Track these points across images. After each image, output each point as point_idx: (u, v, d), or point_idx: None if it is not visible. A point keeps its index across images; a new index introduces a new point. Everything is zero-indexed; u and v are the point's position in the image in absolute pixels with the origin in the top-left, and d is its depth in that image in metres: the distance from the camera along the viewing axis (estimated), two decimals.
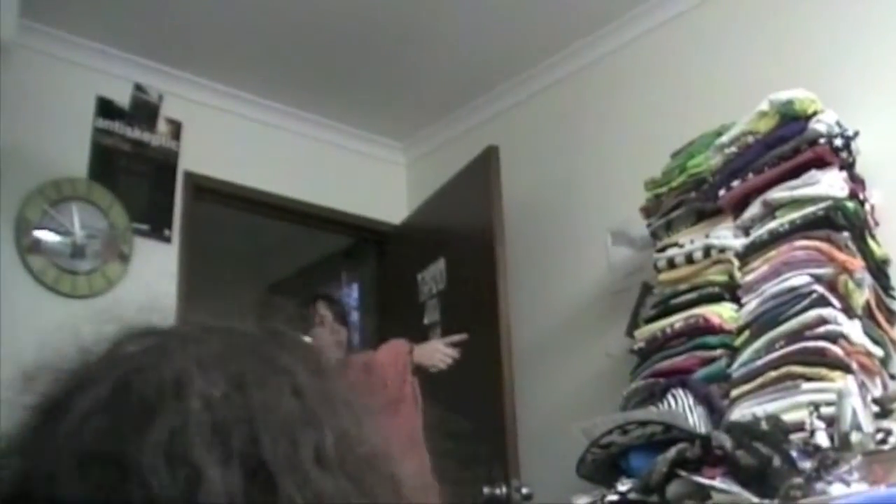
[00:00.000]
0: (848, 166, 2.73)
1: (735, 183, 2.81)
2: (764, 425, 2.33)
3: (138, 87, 3.87)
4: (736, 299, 2.73)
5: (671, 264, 2.92)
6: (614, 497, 2.49)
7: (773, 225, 2.69)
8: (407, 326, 3.74)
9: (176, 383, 0.46)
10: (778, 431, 2.30)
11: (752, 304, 2.65)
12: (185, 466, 0.43)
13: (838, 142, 2.69)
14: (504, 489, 3.34)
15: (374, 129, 4.54)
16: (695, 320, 2.76)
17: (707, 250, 2.82)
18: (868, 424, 2.22)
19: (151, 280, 3.61)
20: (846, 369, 2.38)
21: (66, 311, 3.40)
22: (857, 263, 2.54)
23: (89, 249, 3.59)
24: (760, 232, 2.72)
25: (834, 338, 2.42)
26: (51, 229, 3.53)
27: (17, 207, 3.47)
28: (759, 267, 2.67)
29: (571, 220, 3.82)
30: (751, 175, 2.78)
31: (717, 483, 2.23)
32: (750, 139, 2.82)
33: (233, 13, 3.64)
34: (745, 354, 2.58)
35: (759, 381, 2.50)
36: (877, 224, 2.78)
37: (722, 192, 2.84)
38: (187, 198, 3.91)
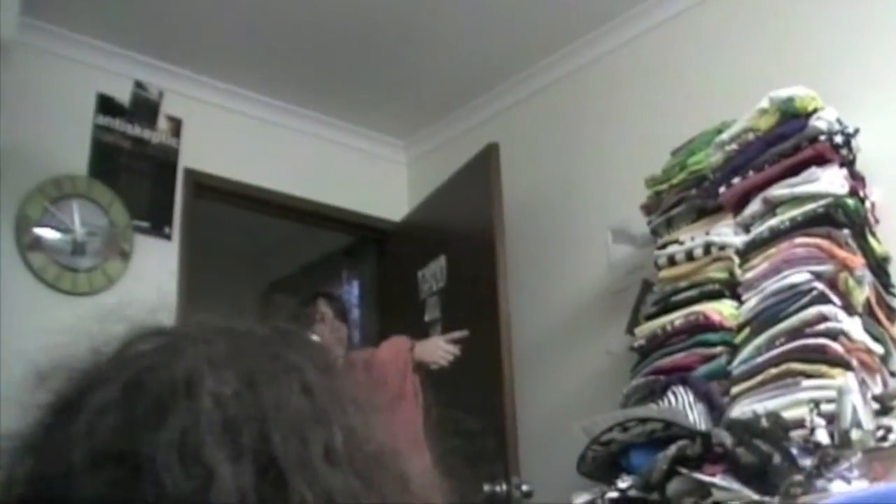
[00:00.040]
0: (848, 163, 2.73)
1: (735, 180, 2.81)
2: (764, 422, 2.33)
3: (139, 85, 3.87)
4: (736, 296, 2.73)
5: (671, 261, 2.92)
6: (614, 494, 2.49)
7: (773, 222, 2.69)
8: (407, 324, 3.75)
9: (187, 382, 0.46)
10: (778, 429, 2.31)
11: (752, 301, 2.65)
12: (197, 464, 0.43)
13: (838, 139, 2.69)
14: (504, 487, 3.34)
15: (375, 128, 4.54)
16: (695, 317, 2.76)
17: (707, 247, 2.82)
18: (868, 422, 2.22)
19: (152, 277, 3.62)
20: (846, 366, 2.38)
21: (66, 309, 3.40)
22: (857, 261, 2.54)
23: (90, 247, 3.59)
24: (761, 229, 2.72)
25: (834, 335, 2.42)
26: (51, 227, 3.53)
27: (18, 205, 3.47)
28: (760, 264, 2.67)
29: (572, 217, 3.82)
30: (751, 172, 2.78)
31: (718, 480, 2.23)
32: (750, 136, 2.82)
33: (233, 10, 3.64)
34: (746, 351, 2.58)
35: (759, 378, 2.50)
36: (877, 221, 2.78)
37: (722, 190, 2.84)
38: (188, 195, 3.91)
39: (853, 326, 2.46)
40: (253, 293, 5.36)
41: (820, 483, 2.12)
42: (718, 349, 2.68)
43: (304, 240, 4.99)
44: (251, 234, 5.18)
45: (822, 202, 2.61)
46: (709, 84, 3.39)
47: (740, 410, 2.48)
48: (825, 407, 2.29)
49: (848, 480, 2.10)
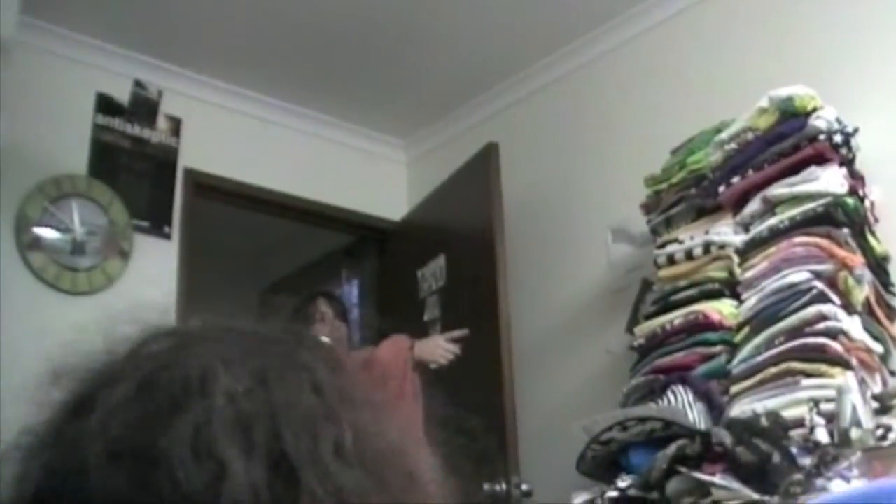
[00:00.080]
0: (848, 163, 2.73)
1: (735, 179, 2.81)
2: (764, 422, 2.33)
3: (138, 84, 3.87)
4: (736, 296, 2.73)
5: (671, 261, 2.92)
6: (614, 494, 2.49)
7: (772, 221, 2.69)
8: (407, 323, 3.75)
9: (201, 379, 0.47)
10: (778, 428, 2.31)
11: (751, 300, 2.65)
12: (211, 459, 0.44)
13: (838, 138, 2.69)
14: (504, 486, 3.34)
15: (374, 127, 4.54)
16: (695, 317, 2.76)
17: (707, 247, 2.82)
18: (868, 421, 2.23)
19: (152, 277, 3.62)
20: (846, 366, 2.38)
21: (66, 309, 3.40)
22: (856, 260, 2.54)
23: (89, 246, 3.59)
24: (760, 228, 2.72)
25: (834, 334, 2.42)
26: (51, 226, 3.53)
27: (18, 204, 3.47)
28: (759, 263, 2.67)
29: (571, 217, 3.83)
30: (750, 171, 2.78)
31: (717, 479, 2.23)
32: (750, 136, 2.82)
33: (233, 10, 3.64)
34: (745, 351, 2.58)
35: (758, 377, 2.50)
36: (876, 220, 2.78)
37: (722, 189, 2.84)
38: (187, 194, 3.91)
39: (853, 325, 2.46)
40: (253, 293, 5.36)
41: (819, 482, 2.12)
42: (718, 348, 2.68)
43: (304, 239, 4.99)
44: (251, 233, 5.17)
45: (822, 201, 2.61)
46: (708, 83, 3.39)
47: (740, 409, 2.48)
48: (825, 406, 2.29)
49: (847, 479, 2.10)
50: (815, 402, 2.31)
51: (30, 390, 0.51)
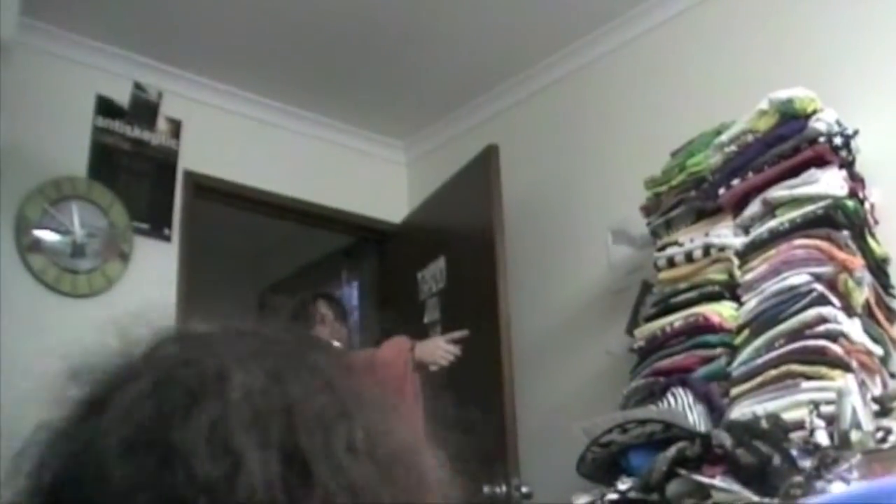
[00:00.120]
0: (847, 165, 2.73)
1: (735, 181, 2.81)
2: (764, 424, 2.33)
3: (138, 86, 3.87)
4: (736, 298, 2.73)
5: (671, 263, 2.92)
6: (614, 496, 2.49)
7: (772, 223, 2.69)
8: (407, 325, 3.74)
9: (217, 376, 0.49)
10: (778, 430, 2.30)
11: (751, 302, 2.65)
12: (226, 452, 0.45)
13: (838, 140, 2.69)
14: (504, 488, 3.34)
15: (374, 128, 4.54)
16: (695, 319, 2.76)
17: (707, 249, 2.82)
18: (868, 423, 2.22)
19: (152, 279, 3.62)
20: (846, 368, 2.38)
21: (66, 311, 3.40)
22: (856, 262, 2.54)
23: (89, 248, 3.59)
24: (760, 230, 2.72)
25: (834, 336, 2.42)
26: (51, 228, 3.53)
27: (17, 206, 3.47)
28: (759, 266, 2.67)
29: (571, 218, 3.83)
30: (750, 174, 2.78)
31: (717, 482, 2.23)
32: (750, 138, 2.82)
33: (233, 11, 3.64)
34: (745, 353, 2.58)
35: (758, 379, 2.50)
36: (876, 222, 2.78)
37: (722, 191, 2.84)
38: (187, 196, 3.91)
39: (853, 328, 2.45)
40: (252, 294, 5.37)
41: (819, 484, 2.12)
42: (718, 351, 2.68)
43: (304, 241, 4.99)
44: (251, 235, 5.18)
45: (822, 204, 2.61)
46: (708, 85, 3.39)
47: (740, 412, 2.48)
48: (825, 408, 2.29)
49: (847, 482, 2.10)
50: (816, 404, 2.31)
51: (32, 390, 0.52)
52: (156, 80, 3.91)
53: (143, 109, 3.87)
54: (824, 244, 2.56)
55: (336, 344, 3.26)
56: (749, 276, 2.69)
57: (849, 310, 2.49)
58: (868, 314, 2.57)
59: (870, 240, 2.68)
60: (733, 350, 2.64)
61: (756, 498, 2.16)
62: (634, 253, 3.48)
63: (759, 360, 2.52)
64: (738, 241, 2.76)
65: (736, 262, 2.73)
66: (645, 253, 3.28)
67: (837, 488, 2.08)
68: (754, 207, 2.76)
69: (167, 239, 3.82)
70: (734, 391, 2.56)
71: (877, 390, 2.44)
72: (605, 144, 3.75)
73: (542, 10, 3.68)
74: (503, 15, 3.70)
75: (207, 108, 4.05)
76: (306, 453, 0.46)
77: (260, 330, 0.56)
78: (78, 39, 3.71)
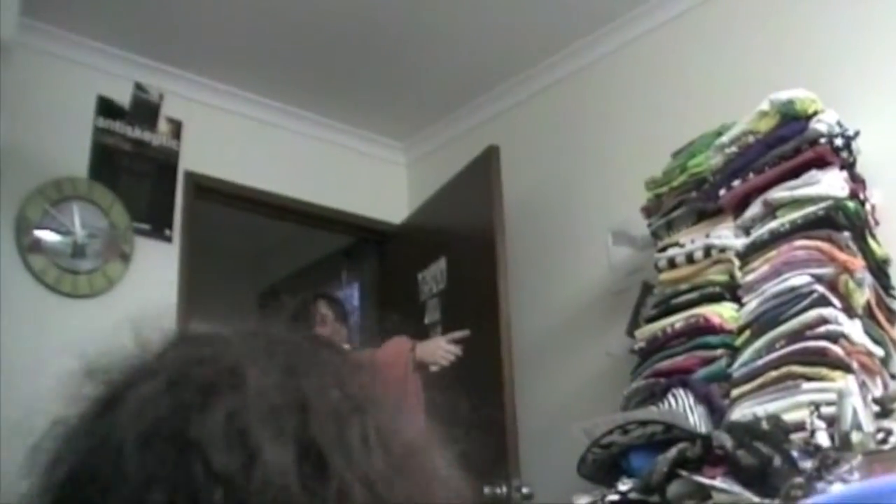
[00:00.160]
0: (848, 166, 2.73)
1: (736, 183, 2.81)
2: (764, 425, 2.33)
3: (139, 87, 3.87)
4: (736, 299, 2.73)
5: (672, 264, 2.92)
6: (615, 497, 2.49)
7: (773, 225, 2.69)
8: (407, 326, 3.74)
9: (232, 372, 0.50)
10: (779, 431, 2.30)
11: (752, 303, 2.65)
12: (243, 445, 0.46)
13: (839, 141, 2.69)
14: (504, 489, 3.34)
15: (374, 129, 4.54)
16: (695, 320, 2.76)
17: (708, 250, 2.82)
18: (868, 424, 2.22)
19: (152, 280, 3.62)
20: (847, 369, 2.38)
21: (67, 311, 3.40)
22: (857, 263, 2.54)
23: (90, 249, 3.59)
24: (761, 232, 2.72)
25: (835, 337, 2.42)
26: (51, 229, 3.53)
27: (18, 207, 3.47)
28: (760, 267, 2.67)
29: (572, 219, 3.82)
30: (751, 175, 2.78)
31: (718, 483, 2.23)
32: (750, 139, 2.82)
33: (233, 12, 3.64)
34: (746, 354, 2.58)
35: (759, 380, 2.50)
36: (877, 224, 2.78)
37: (722, 192, 2.84)
38: (188, 197, 3.91)
39: (853, 329, 2.45)
40: (253, 294, 5.37)
41: (820, 485, 2.12)
42: (719, 352, 2.68)
43: (304, 241, 5.00)
44: (251, 235, 5.18)
45: (823, 205, 2.61)
46: (709, 85, 3.39)
47: (741, 413, 2.48)
48: (825, 409, 2.29)
49: (848, 483, 2.10)
50: (816, 405, 2.31)
51: (44, 389, 0.53)
52: (156, 81, 3.91)
53: (144, 110, 3.87)
54: (825, 245, 2.56)
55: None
56: (750, 278, 2.68)
57: (849, 311, 2.49)
58: (869, 315, 2.57)
59: (870, 241, 2.68)
60: (734, 351, 2.64)
61: (757, 499, 2.16)
62: (635, 254, 3.48)
63: (760, 362, 2.52)
64: (739, 243, 2.76)
65: (737, 263, 2.73)
66: (645, 254, 3.28)
67: (838, 489, 2.08)
68: (755, 208, 2.76)
69: (168, 239, 3.82)
70: (735, 392, 2.55)
71: (877, 391, 2.44)
72: (606, 145, 3.75)
73: (543, 11, 3.68)
74: (503, 15, 3.70)
75: (208, 108, 4.05)
76: (322, 446, 0.47)
77: (268, 330, 0.57)
78: (78, 40, 3.71)
